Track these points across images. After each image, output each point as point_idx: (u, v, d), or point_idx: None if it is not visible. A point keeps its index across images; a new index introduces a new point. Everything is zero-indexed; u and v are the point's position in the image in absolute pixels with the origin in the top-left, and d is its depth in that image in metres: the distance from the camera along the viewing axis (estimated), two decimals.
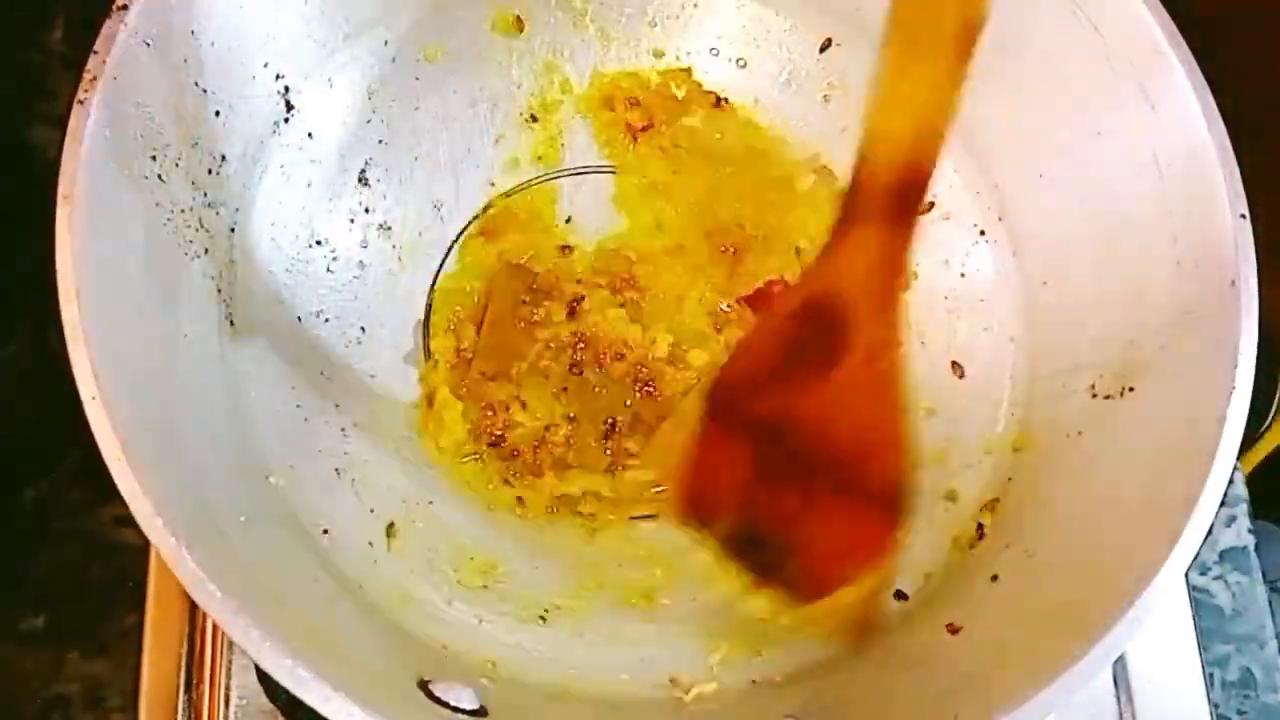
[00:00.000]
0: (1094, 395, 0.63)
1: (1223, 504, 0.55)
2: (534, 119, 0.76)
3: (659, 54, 0.77)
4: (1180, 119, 0.60)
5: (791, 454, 0.57)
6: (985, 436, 0.69)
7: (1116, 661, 0.68)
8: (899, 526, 0.57)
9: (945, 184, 0.72)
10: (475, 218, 0.74)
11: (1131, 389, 0.61)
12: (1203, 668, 0.70)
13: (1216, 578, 0.75)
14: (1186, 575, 0.72)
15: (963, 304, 0.72)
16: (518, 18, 0.74)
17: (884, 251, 0.53)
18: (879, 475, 0.57)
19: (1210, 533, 0.54)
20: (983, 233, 0.72)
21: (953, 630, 0.60)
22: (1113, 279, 0.64)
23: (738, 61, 0.76)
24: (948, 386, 0.71)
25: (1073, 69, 0.64)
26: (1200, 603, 0.74)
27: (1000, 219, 0.71)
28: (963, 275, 0.72)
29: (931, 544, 0.66)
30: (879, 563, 0.58)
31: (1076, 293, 0.67)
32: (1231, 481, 0.56)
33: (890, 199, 0.52)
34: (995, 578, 0.62)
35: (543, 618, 0.65)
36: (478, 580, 0.66)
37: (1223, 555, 0.76)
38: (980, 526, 0.66)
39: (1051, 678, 0.52)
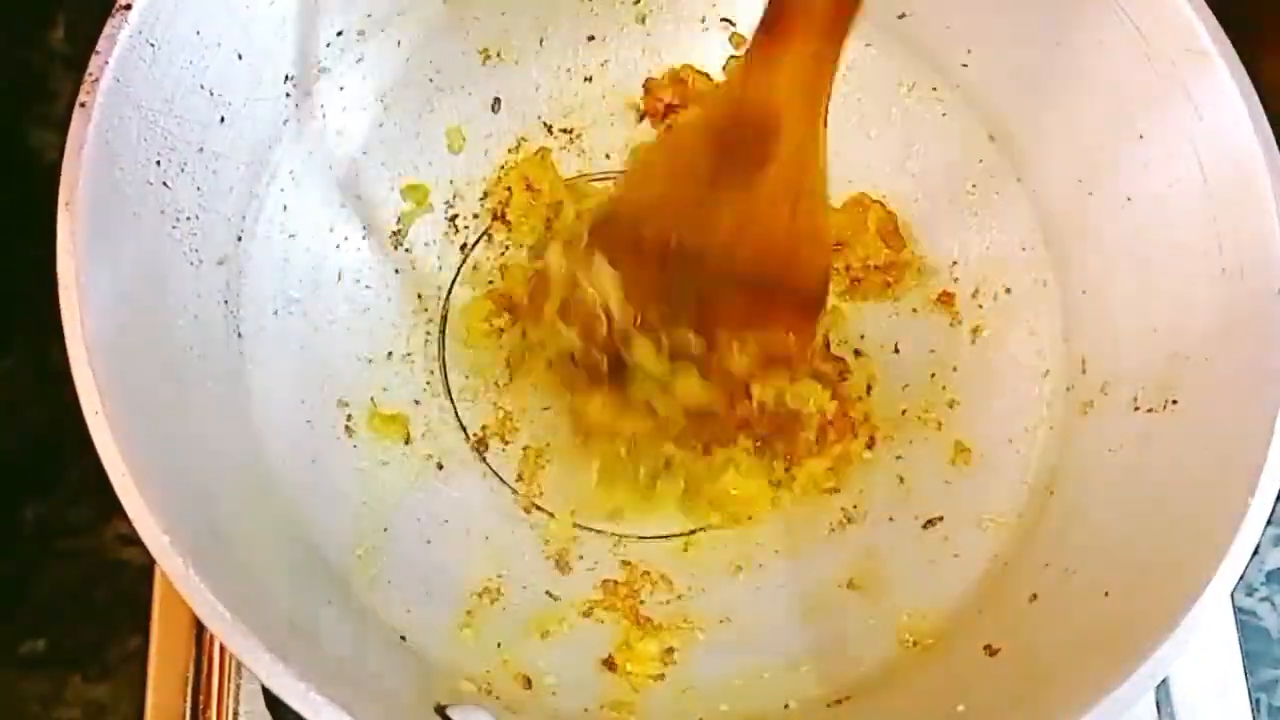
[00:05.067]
0: (1136, 408, 0.62)
1: (1269, 522, 0.53)
2: (551, 124, 0.74)
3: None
4: (1225, 122, 0.59)
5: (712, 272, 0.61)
6: (1022, 451, 0.67)
7: (1159, 686, 0.67)
8: (818, 313, 0.63)
9: (977, 186, 0.71)
10: (490, 225, 0.73)
11: (1175, 402, 0.60)
12: (1249, 693, 0.69)
13: (1263, 599, 0.74)
14: (1232, 596, 0.71)
15: (997, 312, 0.71)
16: (535, 20, 0.73)
17: (810, 63, 0.56)
18: (801, 275, 0.61)
19: (1257, 552, 0.53)
20: (1013, 235, 0.70)
21: (991, 652, 0.59)
22: (1155, 288, 0.63)
23: None
24: (982, 400, 0.70)
25: (1113, 69, 0.63)
26: (1246, 625, 0.72)
27: (1036, 225, 0.69)
28: (999, 282, 0.71)
29: (969, 563, 0.65)
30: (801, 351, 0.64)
31: (1117, 302, 0.65)
32: (1279, 499, 0.54)
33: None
34: (1034, 597, 0.60)
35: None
36: (496, 601, 0.65)
37: (1270, 576, 0.75)
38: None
39: (1092, 702, 0.50)
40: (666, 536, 0.68)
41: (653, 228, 0.62)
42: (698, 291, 0.63)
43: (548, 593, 0.66)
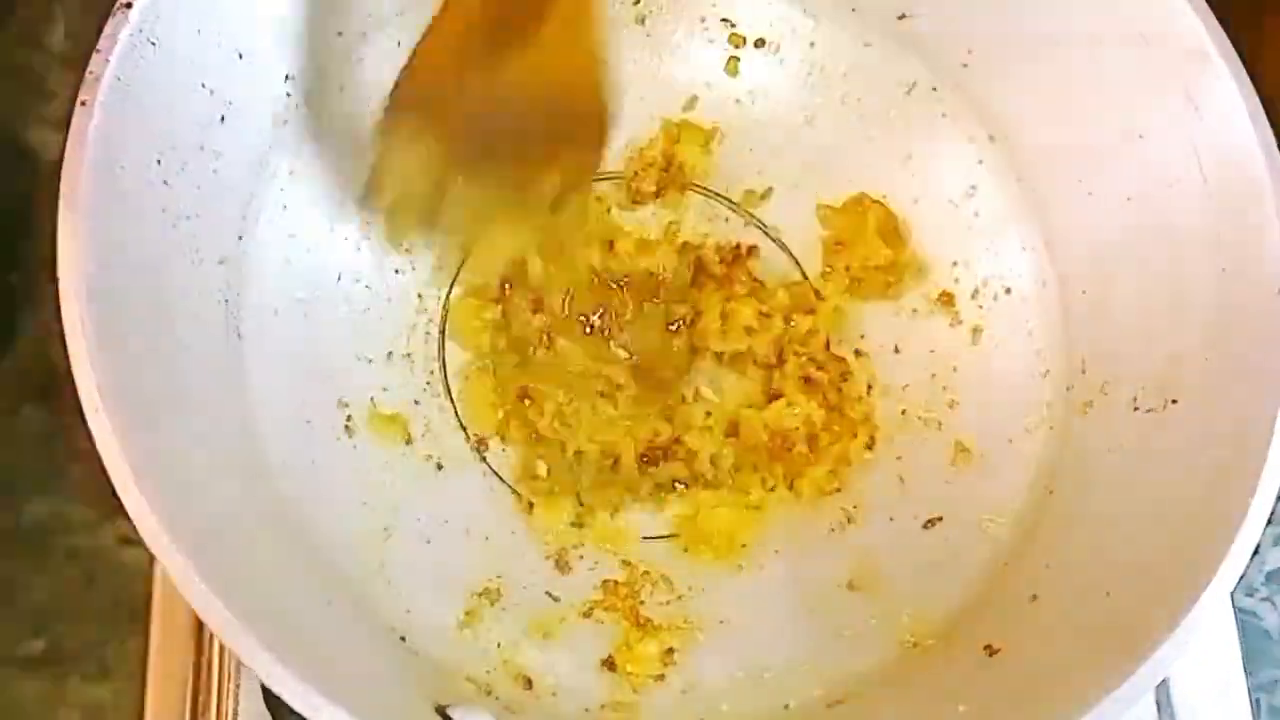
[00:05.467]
0: (1135, 409, 0.62)
1: (1270, 522, 0.53)
2: None
3: None
4: (1225, 121, 0.59)
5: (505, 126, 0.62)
6: (1022, 451, 0.67)
7: (1159, 686, 0.67)
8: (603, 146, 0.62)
9: (977, 186, 0.71)
10: None
11: (1175, 402, 0.60)
12: (1249, 693, 0.68)
13: (1264, 599, 0.74)
14: (1232, 596, 0.70)
15: (998, 312, 0.70)
16: None
17: None
18: (585, 119, 0.62)
19: (1257, 552, 0.53)
20: (1013, 235, 0.70)
21: (991, 652, 0.59)
22: (1154, 287, 0.62)
23: None
24: (982, 400, 0.70)
25: (1112, 68, 0.63)
26: (1246, 625, 0.72)
27: (1036, 224, 0.70)
28: (999, 282, 0.71)
29: (969, 563, 0.65)
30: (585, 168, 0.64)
31: (1116, 302, 0.65)
32: (1279, 499, 0.54)
33: None
34: (1035, 597, 0.60)
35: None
36: (496, 601, 0.65)
37: (1270, 576, 0.75)
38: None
39: (1093, 702, 0.50)
40: (667, 536, 0.68)
41: (451, 89, 0.63)
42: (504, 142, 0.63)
43: (548, 593, 0.66)
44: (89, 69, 0.53)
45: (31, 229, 0.52)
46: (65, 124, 0.52)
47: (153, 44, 0.56)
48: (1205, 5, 0.59)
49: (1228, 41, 0.59)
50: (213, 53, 0.60)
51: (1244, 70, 0.58)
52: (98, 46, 0.54)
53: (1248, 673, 0.68)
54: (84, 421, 0.49)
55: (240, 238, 0.64)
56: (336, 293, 0.68)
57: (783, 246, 0.74)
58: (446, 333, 0.71)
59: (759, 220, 0.74)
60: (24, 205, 0.59)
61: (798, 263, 0.73)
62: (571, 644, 0.64)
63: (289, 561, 0.59)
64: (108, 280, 0.52)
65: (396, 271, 0.70)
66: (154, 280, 0.56)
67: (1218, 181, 0.59)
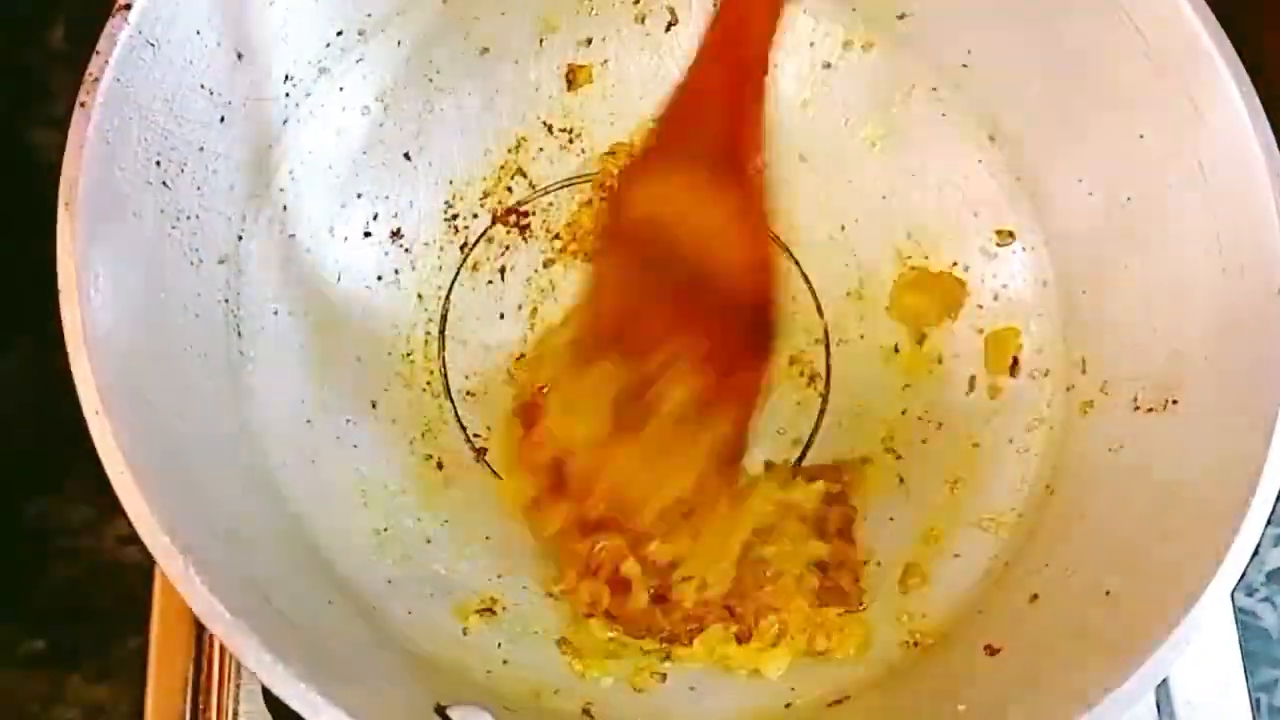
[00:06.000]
0: (1136, 408, 0.62)
1: (1269, 522, 0.53)
2: (551, 124, 0.74)
3: None
4: (1226, 121, 0.58)
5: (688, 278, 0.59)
6: (1022, 451, 0.67)
7: (1159, 686, 0.66)
8: (771, 354, 0.61)
9: (977, 185, 0.71)
10: (490, 225, 0.73)
11: (1175, 401, 0.60)
12: (1249, 693, 0.68)
13: (1264, 599, 0.74)
14: (1232, 596, 0.70)
15: (998, 313, 0.70)
16: (535, 20, 0.73)
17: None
18: (753, 298, 0.59)
19: (1257, 552, 0.53)
20: (1012, 234, 0.70)
21: (991, 651, 0.59)
22: (1155, 287, 0.62)
23: None
24: (982, 399, 0.69)
25: (1113, 69, 0.62)
26: (1247, 625, 0.72)
27: (1038, 225, 0.70)
28: (998, 282, 0.71)
29: (970, 563, 0.65)
30: (755, 392, 0.61)
31: (1118, 301, 0.65)
32: (1279, 499, 0.54)
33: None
34: (1035, 597, 0.60)
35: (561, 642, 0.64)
36: (497, 601, 0.65)
37: (1270, 576, 0.74)
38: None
39: (1092, 702, 0.50)
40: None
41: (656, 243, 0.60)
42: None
43: (549, 593, 0.66)
44: (89, 70, 0.53)
45: (31, 230, 0.52)
46: (65, 124, 0.52)
47: (152, 45, 0.56)
48: (1205, 5, 0.59)
49: (1228, 41, 0.58)
50: (213, 53, 0.59)
51: (1244, 70, 0.58)
52: (97, 47, 0.54)
53: (1248, 673, 0.68)
54: (84, 422, 0.49)
55: (240, 238, 0.64)
56: (336, 292, 0.68)
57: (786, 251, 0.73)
58: (447, 333, 0.70)
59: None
60: (24, 205, 0.59)
61: (806, 279, 0.73)
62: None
63: (289, 561, 0.59)
64: (107, 282, 0.52)
65: (396, 271, 0.70)
66: (154, 280, 0.57)
67: (1218, 181, 0.59)
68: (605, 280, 0.63)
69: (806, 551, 0.66)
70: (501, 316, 0.71)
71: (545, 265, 0.73)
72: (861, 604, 0.65)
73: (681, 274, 0.59)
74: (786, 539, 0.66)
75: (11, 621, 0.70)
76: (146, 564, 0.66)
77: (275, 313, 0.65)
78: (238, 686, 0.64)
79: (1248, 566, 0.52)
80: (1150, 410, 0.61)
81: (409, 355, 0.70)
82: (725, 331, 0.60)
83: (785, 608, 0.64)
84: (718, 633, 0.64)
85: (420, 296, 0.71)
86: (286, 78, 0.65)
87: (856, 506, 0.68)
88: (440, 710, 0.54)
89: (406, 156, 0.71)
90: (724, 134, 0.57)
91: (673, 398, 0.60)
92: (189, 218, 0.59)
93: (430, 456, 0.68)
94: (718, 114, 0.57)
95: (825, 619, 0.64)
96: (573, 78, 0.74)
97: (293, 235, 0.67)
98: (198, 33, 0.58)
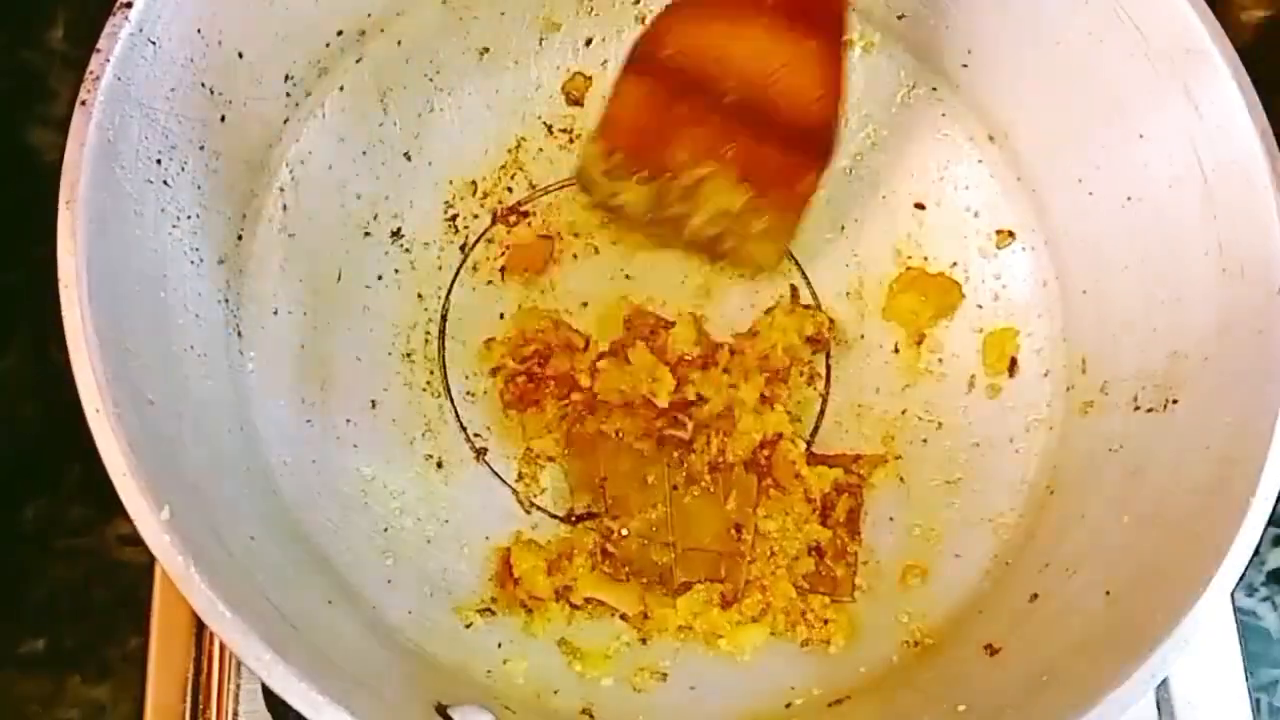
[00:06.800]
0: (1136, 408, 0.62)
1: (1270, 522, 0.53)
2: (551, 124, 0.74)
3: None
4: (1225, 121, 0.59)
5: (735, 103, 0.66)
6: (1022, 451, 0.67)
7: (1159, 686, 0.66)
8: (824, 161, 0.67)
9: (977, 186, 0.71)
10: (490, 225, 0.73)
11: (1175, 401, 0.60)
12: (1249, 693, 0.68)
13: (1264, 599, 0.74)
14: (1232, 596, 0.70)
15: (997, 313, 0.70)
16: (535, 20, 0.73)
17: None
18: (814, 122, 0.66)
19: (1257, 552, 0.53)
20: (1012, 234, 0.70)
21: (991, 651, 0.59)
22: (1155, 287, 0.62)
23: None
24: (982, 399, 0.69)
25: (1113, 69, 0.62)
26: (1246, 625, 0.72)
27: (1038, 224, 0.70)
28: (1000, 281, 0.71)
29: (970, 563, 0.65)
30: (801, 197, 0.68)
31: (1118, 302, 0.65)
32: (1279, 499, 0.54)
33: None
34: (1035, 597, 0.61)
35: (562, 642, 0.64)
36: (497, 601, 0.65)
37: (1270, 576, 0.74)
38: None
39: (1092, 702, 0.51)
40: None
41: (702, 70, 0.66)
42: (741, 137, 0.67)
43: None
44: (89, 69, 0.53)
45: (31, 229, 0.52)
46: (65, 124, 0.52)
47: (153, 44, 0.56)
48: (1205, 5, 0.59)
49: (1228, 41, 0.58)
50: (213, 52, 0.60)
51: (1244, 70, 0.58)
52: (98, 46, 0.54)
53: (1247, 672, 0.68)
54: (84, 421, 0.49)
55: (240, 238, 0.64)
56: (337, 292, 0.68)
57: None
58: (447, 332, 0.70)
59: None
60: (24, 205, 0.59)
61: (806, 278, 0.73)
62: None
63: (289, 561, 0.59)
64: (108, 280, 0.52)
65: (396, 271, 0.70)
66: (154, 280, 0.57)
67: (1218, 182, 0.59)
68: (638, 100, 0.67)
69: (806, 533, 0.66)
70: (501, 316, 0.71)
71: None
72: (852, 596, 0.66)
73: (729, 98, 0.65)
74: (790, 517, 0.66)
75: (12, 621, 0.70)
76: (147, 564, 0.67)
77: (275, 312, 0.65)
78: (238, 686, 0.64)
79: (1248, 566, 0.52)
80: (1150, 410, 0.61)
81: (409, 355, 0.70)
82: (772, 151, 0.66)
83: (772, 588, 0.65)
84: (701, 594, 0.65)
85: (420, 296, 0.71)
86: (287, 77, 0.65)
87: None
88: (440, 710, 0.54)
89: (406, 156, 0.71)
90: None
91: (708, 208, 0.67)
92: (189, 217, 0.59)
93: (430, 456, 0.68)
94: None
95: (810, 607, 0.64)
96: (573, 94, 0.74)
97: (293, 235, 0.67)
98: (199, 31, 0.58)
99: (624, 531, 0.66)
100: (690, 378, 0.68)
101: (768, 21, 0.64)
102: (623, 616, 0.65)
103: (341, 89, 0.68)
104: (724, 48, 0.65)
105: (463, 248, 0.72)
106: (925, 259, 0.72)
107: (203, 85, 0.59)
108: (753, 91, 0.65)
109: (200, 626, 0.65)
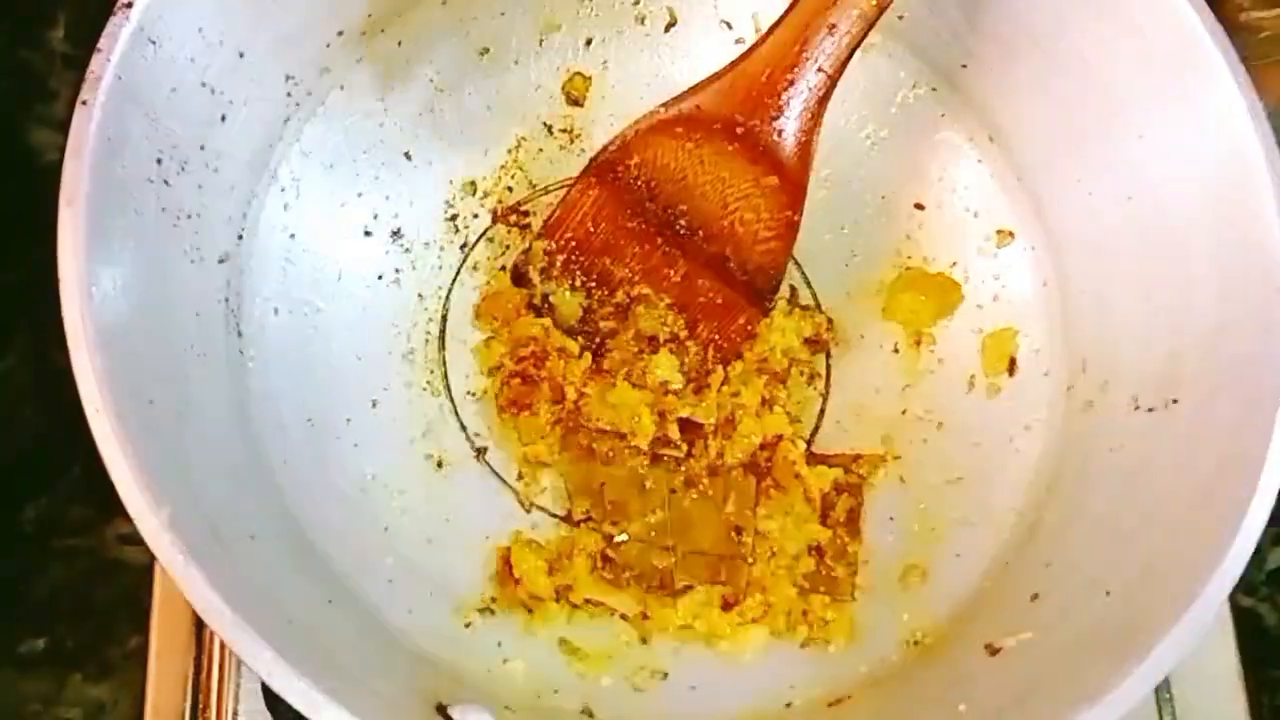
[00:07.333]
0: (1136, 408, 0.62)
1: (1270, 522, 0.53)
2: (551, 124, 0.74)
3: None
4: (1224, 121, 0.58)
5: (686, 230, 0.68)
6: (1022, 451, 0.67)
7: (1160, 686, 0.67)
8: (760, 309, 0.69)
9: (977, 186, 0.71)
10: (490, 225, 0.73)
11: (1175, 401, 0.60)
12: (1249, 693, 0.68)
13: (1264, 599, 0.74)
14: (1232, 596, 0.69)
15: (997, 313, 0.70)
16: (535, 20, 0.73)
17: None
18: (760, 264, 0.68)
19: (1257, 552, 0.53)
20: (1012, 235, 0.70)
21: (992, 651, 0.59)
22: (1155, 287, 0.62)
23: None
24: (982, 399, 0.69)
25: (1112, 68, 0.62)
26: (1247, 625, 0.72)
27: (1037, 225, 0.69)
28: (999, 281, 0.71)
29: (970, 563, 0.65)
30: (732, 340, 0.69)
31: (1117, 301, 0.65)
32: (1279, 499, 0.54)
33: None
34: (1035, 597, 0.60)
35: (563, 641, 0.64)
36: (497, 600, 0.65)
37: (1270, 576, 0.74)
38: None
39: (1092, 702, 0.50)
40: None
41: (659, 190, 0.67)
42: (684, 265, 0.68)
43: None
44: (89, 69, 0.53)
45: (31, 229, 0.52)
46: (65, 124, 0.52)
47: (153, 43, 0.56)
48: (1205, 5, 0.59)
49: (1228, 41, 0.58)
50: (214, 52, 0.59)
51: (1244, 70, 0.58)
52: (98, 46, 0.54)
53: (1248, 672, 0.68)
54: (84, 422, 0.49)
55: (240, 238, 0.64)
56: (337, 292, 0.68)
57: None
58: (447, 332, 0.70)
59: None
60: (24, 205, 0.59)
61: (806, 278, 0.73)
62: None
63: (289, 561, 0.59)
64: (108, 280, 0.52)
65: (396, 271, 0.70)
66: (154, 279, 0.56)
67: (1217, 181, 0.59)
68: (591, 207, 0.68)
69: (806, 533, 0.66)
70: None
71: None
72: (852, 596, 0.66)
73: (681, 222, 0.67)
74: (790, 517, 0.66)
75: (12, 621, 0.70)
76: (147, 564, 0.67)
77: (276, 312, 0.65)
78: (238, 686, 0.64)
79: (1248, 567, 0.52)
80: (1150, 410, 0.61)
81: (409, 355, 0.70)
82: (714, 285, 0.68)
83: (773, 589, 0.65)
84: (702, 596, 0.65)
85: (420, 296, 0.71)
86: (288, 77, 0.65)
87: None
88: (440, 710, 0.54)
89: (407, 156, 0.71)
90: (791, 119, 0.64)
91: (636, 329, 0.68)
92: (190, 216, 0.59)
93: (430, 456, 0.68)
94: (787, 98, 0.64)
95: (811, 607, 0.64)
96: (573, 94, 0.74)
97: (293, 235, 0.67)
98: (199, 31, 0.58)
99: (623, 536, 0.66)
100: (679, 410, 0.68)
101: (736, 149, 0.65)
102: (623, 616, 0.65)
103: (342, 88, 0.68)
104: (688, 169, 0.67)
105: (463, 247, 0.72)
106: (925, 259, 0.72)
107: (203, 85, 0.59)
108: (707, 220, 0.67)
109: (200, 626, 0.65)
